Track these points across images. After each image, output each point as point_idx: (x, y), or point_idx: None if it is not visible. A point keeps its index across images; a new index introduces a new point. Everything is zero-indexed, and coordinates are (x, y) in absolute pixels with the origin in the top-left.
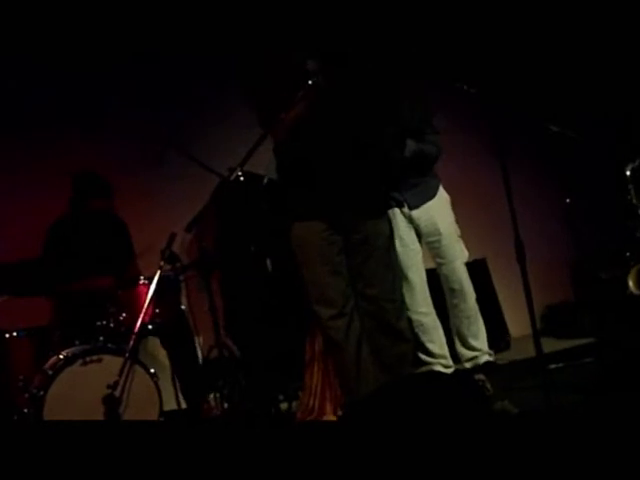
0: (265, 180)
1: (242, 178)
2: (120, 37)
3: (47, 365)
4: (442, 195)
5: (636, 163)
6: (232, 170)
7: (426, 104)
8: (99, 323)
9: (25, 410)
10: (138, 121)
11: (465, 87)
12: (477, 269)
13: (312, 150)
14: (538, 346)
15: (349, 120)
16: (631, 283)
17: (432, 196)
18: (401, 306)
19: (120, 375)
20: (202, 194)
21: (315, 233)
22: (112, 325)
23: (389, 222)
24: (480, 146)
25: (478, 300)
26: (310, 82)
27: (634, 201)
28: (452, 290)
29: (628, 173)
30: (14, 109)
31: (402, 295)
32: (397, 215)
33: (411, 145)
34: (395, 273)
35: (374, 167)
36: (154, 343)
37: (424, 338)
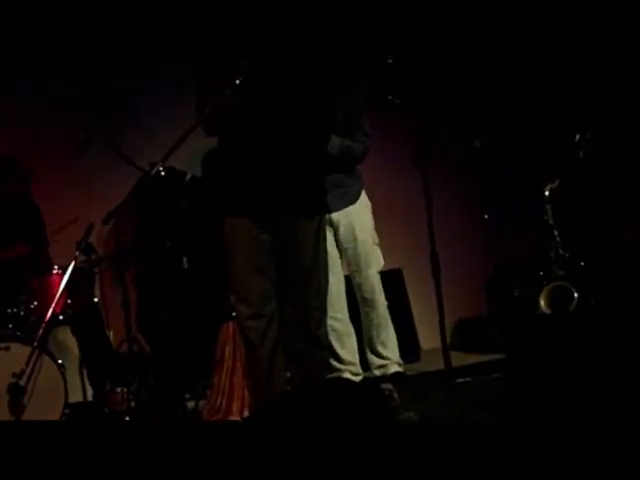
0: (188, 176)
1: (163, 173)
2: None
3: None
4: (363, 201)
5: (555, 184)
6: (153, 165)
7: (360, 103)
8: (9, 310)
9: None
10: (63, 109)
11: (390, 97)
12: (392, 279)
13: (245, 146)
14: (447, 359)
15: (280, 117)
16: (542, 302)
17: (353, 200)
18: (323, 314)
19: (27, 364)
20: (124, 187)
21: (243, 230)
22: (22, 313)
23: (320, 227)
24: (403, 155)
25: (391, 310)
26: (237, 81)
27: (550, 221)
28: (364, 298)
29: (547, 193)
30: None
31: (324, 302)
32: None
33: (335, 141)
34: (322, 279)
35: (309, 167)
36: (65, 333)
37: (336, 344)
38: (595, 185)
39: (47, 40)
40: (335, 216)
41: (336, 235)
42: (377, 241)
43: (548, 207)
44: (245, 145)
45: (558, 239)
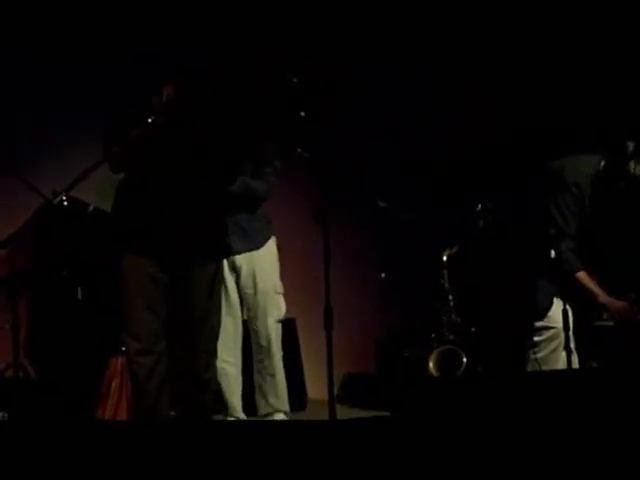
0: (91, 208)
1: (66, 203)
2: None
3: None
4: (269, 248)
5: (453, 250)
6: (57, 194)
7: (271, 147)
8: None
9: None
10: None
11: (299, 150)
12: (286, 327)
13: (150, 185)
14: (332, 410)
15: (187, 158)
16: (431, 364)
17: (258, 246)
18: (212, 357)
19: None
20: (25, 213)
21: (140, 267)
22: None
23: (218, 271)
24: (307, 208)
25: (283, 358)
26: (149, 120)
27: (446, 285)
28: (259, 345)
29: (444, 258)
30: None
31: (215, 345)
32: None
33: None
34: (214, 324)
35: (211, 209)
36: None
37: (225, 388)
38: (490, 255)
39: None
40: (238, 260)
41: (238, 279)
42: (280, 290)
43: (445, 272)
44: (150, 185)
45: (452, 303)
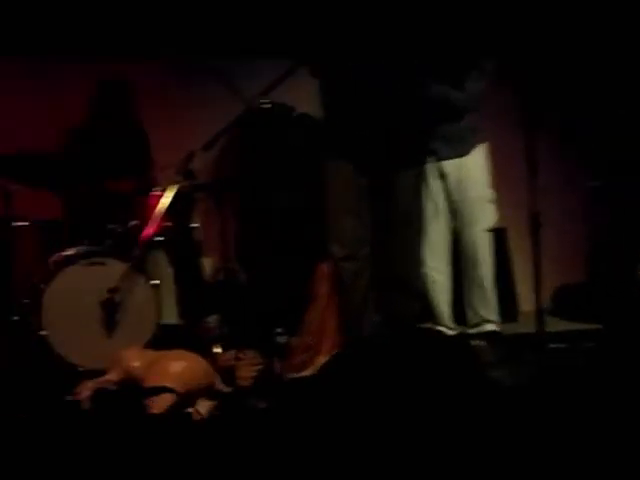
0: (295, 113)
1: (269, 106)
2: None
3: (51, 259)
4: (479, 154)
5: None
6: (255, 98)
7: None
8: (109, 226)
9: (25, 300)
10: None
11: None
12: (496, 238)
13: (346, 90)
14: (540, 322)
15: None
16: None
17: (467, 151)
18: (417, 262)
19: (121, 281)
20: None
21: (342, 174)
22: (120, 230)
23: (420, 176)
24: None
25: (493, 268)
26: None
27: None
28: (467, 255)
29: None
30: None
31: (419, 251)
32: (428, 165)
33: (434, 87)
34: (416, 228)
35: (406, 113)
36: (162, 255)
37: (433, 295)
38: None
39: None
40: (446, 166)
41: (446, 186)
42: (491, 198)
43: None
44: (346, 91)
45: None
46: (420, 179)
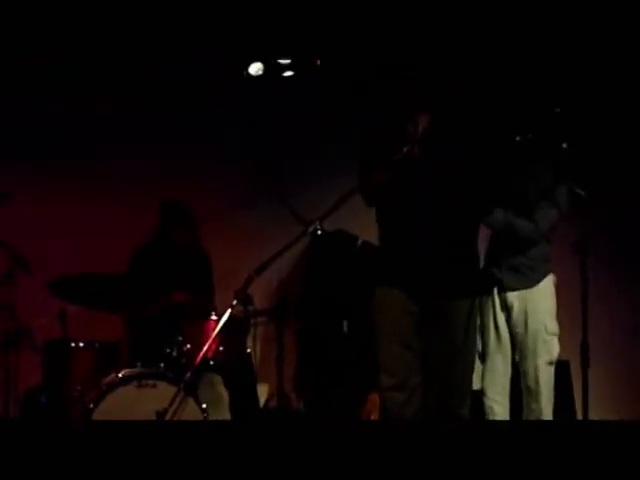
0: (359, 242)
1: (319, 232)
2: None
3: (104, 380)
4: (545, 286)
5: None
6: (311, 223)
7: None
8: (164, 351)
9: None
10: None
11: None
12: (559, 370)
13: (402, 216)
14: None
15: (446, 192)
16: None
17: (533, 283)
18: (468, 392)
19: (171, 404)
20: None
21: (393, 301)
22: (175, 354)
23: (474, 307)
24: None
25: (554, 402)
26: (404, 149)
27: None
28: (527, 387)
29: None
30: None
31: (471, 379)
32: (494, 294)
33: (498, 214)
34: (469, 359)
35: (468, 244)
36: (217, 380)
37: None
38: None
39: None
40: (510, 297)
41: (509, 317)
42: (555, 331)
43: None
44: (403, 216)
45: None
46: (474, 310)
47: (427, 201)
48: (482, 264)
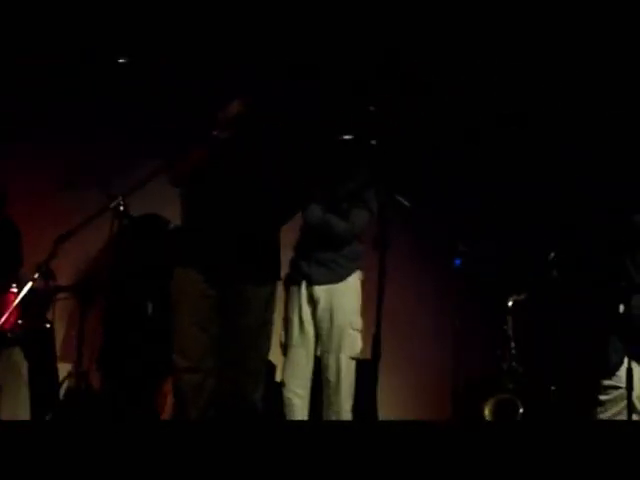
0: (171, 225)
1: (122, 207)
2: None
3: None
4: (352, 282)
5: (520, 296)
6: (114, 197)
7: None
8: None
9: None
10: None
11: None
12: (363, 367)
13: (208, 198)
14: None
15: (248, 175)
16: (487, 412)
17: (339, 279)
18: (261, 378)
19: None
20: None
21: (191, 283)
22: None
23: (272, 294)
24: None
25: (355, 398)
26: (214, 133)
27: (509, 332)
28: (328, 381)
29: (510, 304)
30: None
31: (265, 366)
32: (301, 287)
33: (315, 211)
34: (264, 346)
35: (270, 233)
36: (17, 353)
37: (290, 418)
38: (559, 305)
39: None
40: (317, 291)
41: (314, 311)
42: (358, 327)
43: (509, 318)
44: (206, 200)
45: (514, 351)
46: (272, 298)
47: (231, 185)
48: (292, 256)
